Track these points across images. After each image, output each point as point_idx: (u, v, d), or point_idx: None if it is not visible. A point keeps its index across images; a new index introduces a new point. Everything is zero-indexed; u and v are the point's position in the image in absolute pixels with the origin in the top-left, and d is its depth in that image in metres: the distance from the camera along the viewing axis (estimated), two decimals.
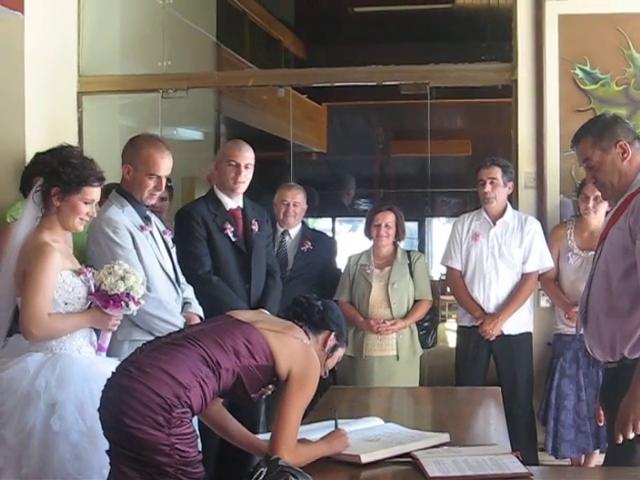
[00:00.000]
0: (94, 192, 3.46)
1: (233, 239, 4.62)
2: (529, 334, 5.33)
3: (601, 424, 3.47)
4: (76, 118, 6.05)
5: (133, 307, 3.50)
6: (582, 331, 3.41)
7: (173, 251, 4.18)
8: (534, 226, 5.28)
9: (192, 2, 8.59)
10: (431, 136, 6.61)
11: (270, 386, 2.85)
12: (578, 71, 5.48)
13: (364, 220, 5.45)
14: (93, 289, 3.44)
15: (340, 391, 4.44)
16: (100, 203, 3.78)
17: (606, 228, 3.34)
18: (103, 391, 2.70)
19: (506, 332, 5.21)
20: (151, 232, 4.04)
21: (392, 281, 5.21)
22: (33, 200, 3.43)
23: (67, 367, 3.31)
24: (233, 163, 4.63)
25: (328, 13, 12.24)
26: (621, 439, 3.02)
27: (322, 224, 12.52)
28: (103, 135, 6.26)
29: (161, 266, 4.02)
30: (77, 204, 3.40)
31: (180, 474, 2.59)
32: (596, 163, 3.31)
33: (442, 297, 8.68)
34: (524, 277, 5.24)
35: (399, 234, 5.34)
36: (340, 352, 3.05)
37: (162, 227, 4.21)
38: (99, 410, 2.69)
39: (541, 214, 5.52)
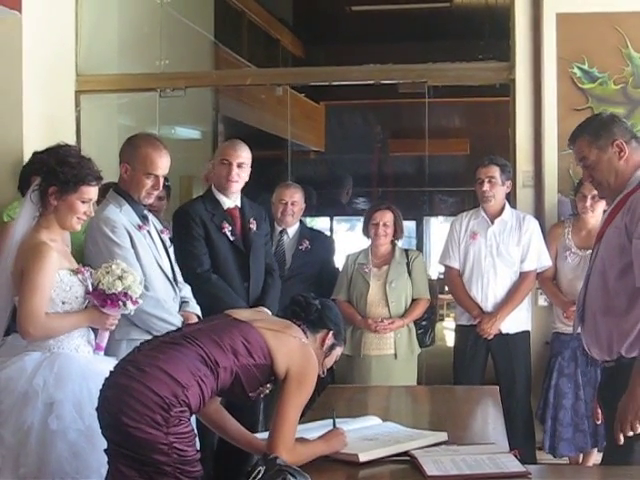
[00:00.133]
0: (92, 191, 3.45)
1: (231, 238, 4.62)
2: (527, 333, 5.33)
3: (599, 423, 3.47)
4: (74, 117, 6.05)
5: (131, 306, 3.50)
6: (579, 330, 3.42)
7: (171, 250, 4.18)
8: (532, 225, 5.28)
9: (190, 1, 8.60)
10: (429, 135, 6.61)
11: (268, 385, 2.85)
12: (576, 70, 5.48)
13: (362, 219, 5.45)
14: (90, 288, 3.44)
15: (338, 390, 4.44)
16: (98, 202, 3.78)
17: (603, 227, 3.35)
18: (101, 390, 2.69)
19: (504, 331, 5.21)
20: (149, 231, 4.04)
21: (390, 280, 5.22)
22: (30, 199, 3.43)
23: (65, 366, 3.31)
24: (226, 162, 4.64)
25: (326, 12, 12.25)
26: (622, 439, 3.03)
27: (320, 223, 12.52)
28: (101, 134, 6.26)
29: (159, 265, 4.02)
30: (75, 203, 3.40)
31: (178, 473, 2.59)
32: (593, 162, 3.31)
33: (440, 296, 8.72)
34: (522, 276, 5.24)
35: (397, 233, 5.34)
36: (338, 351, 3.05)
37: (159, 226, 4.21)
38: (97, 409, 2.69)
39: (539, 213, 5.52)
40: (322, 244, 5.55)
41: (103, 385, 2.70)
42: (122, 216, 3.95)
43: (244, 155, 4.67)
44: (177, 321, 3.94)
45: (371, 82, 6.26)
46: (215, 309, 3.59)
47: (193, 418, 2.77)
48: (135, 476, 2.58)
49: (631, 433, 3.01)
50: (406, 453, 2.87)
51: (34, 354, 3.34)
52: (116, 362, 2.85)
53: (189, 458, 2.62)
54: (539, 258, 5.25)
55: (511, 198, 5.51)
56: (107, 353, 3.58)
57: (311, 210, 6.29)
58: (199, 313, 4.15)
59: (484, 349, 5.26)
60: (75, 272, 3.42)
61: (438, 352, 6.09)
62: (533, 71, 5.59)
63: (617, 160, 3.27)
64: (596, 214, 5.08)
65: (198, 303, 4.21)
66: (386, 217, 5.27)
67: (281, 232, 5.38)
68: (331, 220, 13.40)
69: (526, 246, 5.23)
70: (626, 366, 3.09)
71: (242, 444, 3.05)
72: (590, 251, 3.55)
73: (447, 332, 9.16)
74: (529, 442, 5.21)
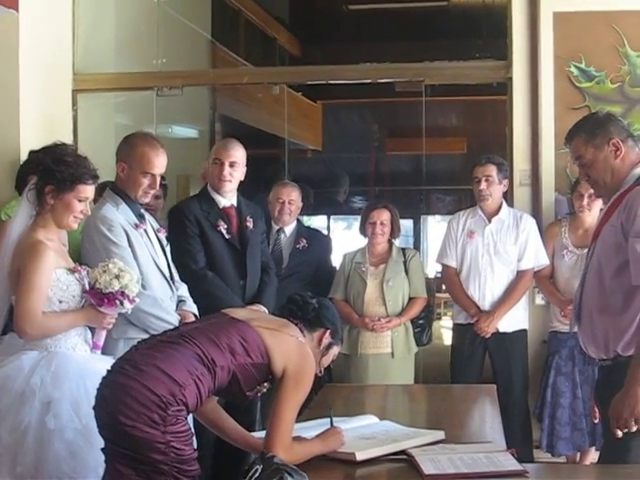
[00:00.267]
0: (88, 190, 3.45)
1: (227, 236, 4.61)
2: (524, 331, 5.33)
3: (596, 421, 3.48)
4: (71, 116, 6.04)
5: (128, 305, 3.50)
6: (576, 328, 3.42)
7: (167, 249, 4.18)
8: (529, 223, 5.28)
9: (187, 0, 8.59)
10: (426, 134, 6.61)
11: (265, 384, 2.85)
12: (573, 69, 5.48)
13: (359, 218, 5.46)
14: (88, 287, 3.43)
15: (335, 389, 4.44)
16: (94, 201, 3.78)
17: (599, 225, 3.35)
18: (98, 389, 2.69)
19: (501, 330, 5.21)
20: (145, 230, 4.04)
21: (387, 279, 5.22)
22: (27, 198, 3.42)
23: (62, 365, 3.31)
24: (218, 161, 4.64)
25: (323, 11, 12.26)
26: (620, 434, 3.03)
27: (317, 222, 12.52)
28: (98, 133, 6.25)
29: (156, 264, 4.02)
30: (71, 202, 3.40)
31: (175, 472, 2.59)
32: (589, 161, 3.32)
33: (437, 295, 8.69)
34: (519, 274, 5.24)
35: (394, 232, 5.34)
36: (335, 350, 3.05)
37: (156, 225, 4.21)
38: (94, 408, 2.69)
39: (536, 212, 5.52)
40: (319, 243, 5.55)
41: (100, 384, 2.70)
42: (119, 215, 3.95)
43: (237, 154, 4.66)
44: (174, 320, 3.93)
45: (368, 81, 6.26)
46: (211, 306, 3.60)
47: (190, 417, 2.77)
48: (132, 475, 2.58)
49: (625, 430, 3.02)
50: (403, 452, 2.87)
51: (31, 353, 3.34)
52: (113, 361, 2.85)
53: (186, 457, 2.62)
54: (536, 257, 5.25)
55: (508, 197, 5.51)
56: (104, 352, 3.57)
57: (308, 209, 6.29)
58: (196, 312, 4.15)
59: (481, 348, 5.26)
60: (72, 271, 3.42)
61: (435, 351, 6.10)
62: (530, 70, 5.59)
63: (613, 159, 3.28)
64: (593, 213, 5.08)
65: (194, 301, 4.22)
66: (383, 216, 5.27)
67: (278, 231, 5.38)
68: (328, 219, 13.41)
69: (523, 245, 5.23)
70: (623, 364, 3.10)
71: (239, 443, 3.05)
72: (587, 250, 3.55)
73: (444, 331, 9.18)
74: (526, 441, 5.21)
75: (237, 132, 8.11)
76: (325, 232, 9.73)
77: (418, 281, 5.31)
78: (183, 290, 4.21)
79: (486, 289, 5.24)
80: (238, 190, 4.76)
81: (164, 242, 4.17)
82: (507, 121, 5.75)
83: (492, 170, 5.23)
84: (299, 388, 2.79)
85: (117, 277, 3.44)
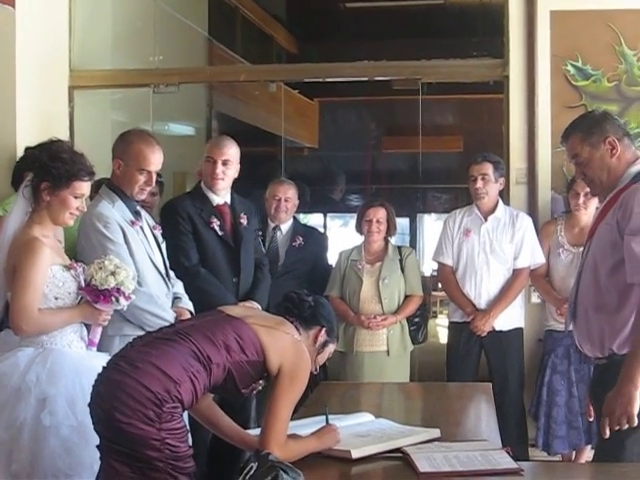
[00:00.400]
0: (84, 187, 3.45)
1: (220, 233, 4.60)
2: (520, 330, 5.33)
3: (591, 419, 3.48)
4: (67, 113, 6.03)
5: (123, 302, 3.50)
6: (572, 327, 3.42)
7: (163, 246, 4.18)
8: (525, 222, 5.28)
9: None
10: (423, 132, 6.61)
11: (261, 381, 2.86)
12: (570, 67, 5.49)
13: (355, 216, 5.46)
14: (83, 284, 3.43)
15: (331, 386, 4.44)
16: (90, 198, 3.77)
17: (595, 224, 3.36)
18: (94, 386, 2.69)
19: (497, 328, 5.22)
20: (141, 227, 4.04)
21: (383, 276, 5.22)
22: (23, 195, 3.42)
23: (58, 362, 3.31)
24: (210, 159, 4.62)
25: (320, 9, 12.22)
26: (608, 433, 3.03)
27: (313, 219, 12.51)
28: (94, 130, 6.24)
29: (151, 261, 4.02)
30: (67, 199, 3.39)
31: (170, 469, 2.59)
32: (585, 159, 3.32)
33: (433, 293, 8.73)
34: (515, 273, 5.25)
35: (390, 230, 5.34)
36: (331, 348, 3.05)
37: (152, 222, 4.21)
38: (90, 405, 2.69)
39: (532, 210, 5.52)
40: (315, 240, 5.55)
41: (96, 381, 2.70)
42: (115, 212, 3.95)
43: (230, 152, 4.63)
44: (170, 317, 3.94)
45: (365, 79, 6.26)
46: (204, 303, 3.60)
47: (185, 414, 2.77)
48: (127, 472, 2.58)
49: (617, 428, 3.02)
50: (399, 450, 2.87)
51: (27, 350, 3.34)
52: (109, 358, 2.85)
53: (181, 454, 2.62)
54: (532, 255, 5.25)
55: (504, 195, 5.51)
56: (100, 349, 3.58)
57: (304, 207, 6.29)
58: (192, 309, 4.15)
59: (477, 346, 5.27)
60: (68, 268, 3.42)
61: (431, 349, 6.10)
62: (527, 68, 5.59)
63: (609, 157, 3.28)
64: (589, 211, 5.09)
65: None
66: (379, 214, 5.27)
67: (274, 228, 5.38)
68: (324, 217, 13.39)
69: (519, 243, 5.24)
70: (618, 363, 3.10)
71: (234, 440, 3.05)
72: (582, 248, 3.55)
73: (440, 329, 9.16)
74: (521, 439, 5.22)
75: (234, 129, 8.11)
76: (321, 230, 9.70)
77: (414, 279, 5.31)
78: (179, 287, 4.22)
79: (482, 287, 5.24)
80: (234, 187, 4.75)
81: (160, 239, 4.17)
82: (503, 119, 5.75)
83: (488, 168, 5.23)
84: (294, 386, 2.79)
85: (113, 274, 3.44)
